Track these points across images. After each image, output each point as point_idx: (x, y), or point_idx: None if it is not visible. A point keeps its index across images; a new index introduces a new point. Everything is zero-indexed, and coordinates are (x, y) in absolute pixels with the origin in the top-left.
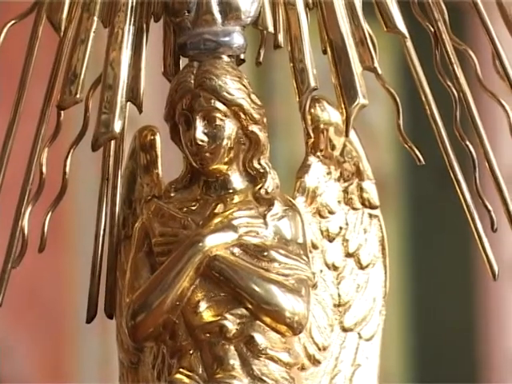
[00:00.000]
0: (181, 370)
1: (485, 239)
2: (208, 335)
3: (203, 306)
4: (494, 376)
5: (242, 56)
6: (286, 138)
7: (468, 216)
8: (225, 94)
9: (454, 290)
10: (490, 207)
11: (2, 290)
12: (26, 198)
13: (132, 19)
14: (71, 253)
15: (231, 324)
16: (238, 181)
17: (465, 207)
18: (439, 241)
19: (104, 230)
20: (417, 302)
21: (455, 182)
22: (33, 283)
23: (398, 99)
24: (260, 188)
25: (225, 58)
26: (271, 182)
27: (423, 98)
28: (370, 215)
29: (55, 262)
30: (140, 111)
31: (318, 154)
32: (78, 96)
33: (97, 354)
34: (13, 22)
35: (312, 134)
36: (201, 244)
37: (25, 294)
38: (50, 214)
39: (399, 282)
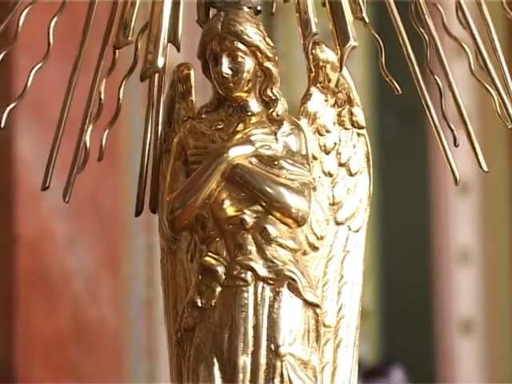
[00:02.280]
0: (209, 253)
1: (449, 152)
2: (231, 226)
3: (227, 203)
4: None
5: (259, 8)
6: (285, 89)
7: (435, 133)
8: (245, 37)
9: (414, 216)
10: (453, 127)
11: (69, 190)
12: (88, 118)
13: None
14: (124, 164)
15: (249, 218)
16: (254, 105)
17: (433, 127)
18: (400, 172)
19: (149, 144)
20: (379, 229)
21: (425, 107)
22: (94, 191)
23: (381, 43)
24: (272, 111)
25: (245, 9)
26: (281, 107)
27: (401, 42)
28: (358, 134)
29: (111, 171)
30: (178, 50)
31: (318, 85)
32: (129, 38)
33: (143, 241)
34: None
35: (313, 70)
36: (225, 155)
37: (88, 199)
38: (107, 131)
39: None
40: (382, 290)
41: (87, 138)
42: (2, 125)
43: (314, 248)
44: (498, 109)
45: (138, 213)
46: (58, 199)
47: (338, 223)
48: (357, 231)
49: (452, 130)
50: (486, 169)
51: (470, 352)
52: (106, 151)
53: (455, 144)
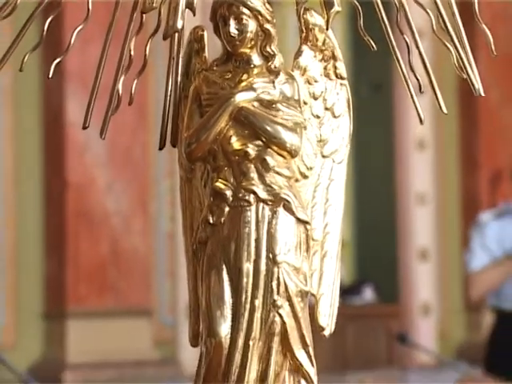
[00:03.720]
0: (219, 180)
1: (415, 97)
2: (237, 157)
3: (234, 138)
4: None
5: None
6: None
7: (404, 82)
8: (249, 3)
9: (381, 166)
10: (418, 76)
11: (105, 128)
12: (121, 70)
13: None
14: (152, 124)
15: (252, 150)
16: (256, 59)
17: (402, 77)
18: (370, 132)
19: (170, 91)
20: (353, 176)
21: (396, 60)
22: (128, 146)
23: (359, 7)
24: (271, 64)
25: None
26: (278, 61)
27: (376, 7)
28: (341, 84)
29: (142, 130)
30: (194, 15)
31: (308, 43)
32: (154, 4)
33: (167, 186)
34: None
35: (304, 31)
36: (232, 99)
37: (123, 152)
38: (136, 80)
39: None
40: (356, 225)
41: (120, 85)
42: (50, 75)
43: (305, 176)
44: (456, 62)
45: (161, 147)
46: (99, 153)
47: (324, 156)
48: (339, 163)
49: (418, 80)
50: (445, 111)
51: (426, 275)
52: (137, 113)
53: (420, 90)
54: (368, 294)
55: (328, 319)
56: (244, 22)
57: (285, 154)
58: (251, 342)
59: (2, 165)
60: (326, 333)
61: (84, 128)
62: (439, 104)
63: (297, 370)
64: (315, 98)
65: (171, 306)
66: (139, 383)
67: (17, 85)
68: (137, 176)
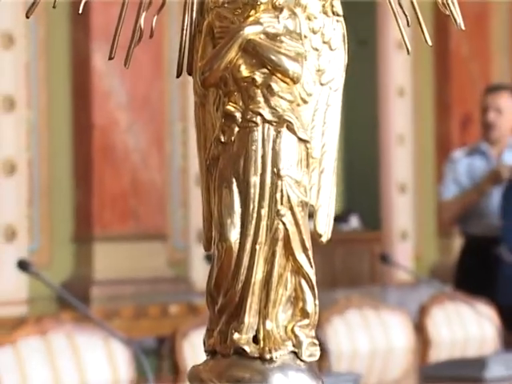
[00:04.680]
0: (229, 103)
1: (403, 30)
2: (245, 84)
3: (243, 67)
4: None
5: None
6: None
7: (394, 16)
8: None
9: (366, 110)
10: (406, 12)
11: (128, 59)
12: (142, 7)
13: None
14: (167, 72)
15: (258, 77)
16: None
17: (392, 12)
18: (357, 81)
19: (187, 26)
20: (341, 119)
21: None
22: (147, 91)
23: None
24: (276, 1)
25: None
26: None
27: None
28: (337, 20)
29: (158, 77)
30: None
31: None
32: None
33: (180, 127)
34: None
35: None
36: (242, 32)
37: (142, 97)
38: (156, 15)
39: None
40: (344, 162)
41: (142, 20)
42: (80, 11)
43: (305, 102)
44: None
45: (178, 75)
46: (121, 99)
47: (322, 84)
48: (335, 90)
49: (405, 15)
50: (430, 43)
51: (404, 205)
52: (154, 64)
53: (408, 24)
54: (354, 222)
55: (325, 227)
56: None
57: (288, 80)
58: (258, 247)
59: (36, 107)
60: (324, 239)
61: (110, 59)
62: (425, 37)
63: (298, 271)
64: (314, 33)
65: (183, 231)
66: (155, 297)
67: (50, 38)
68: (154, 119)
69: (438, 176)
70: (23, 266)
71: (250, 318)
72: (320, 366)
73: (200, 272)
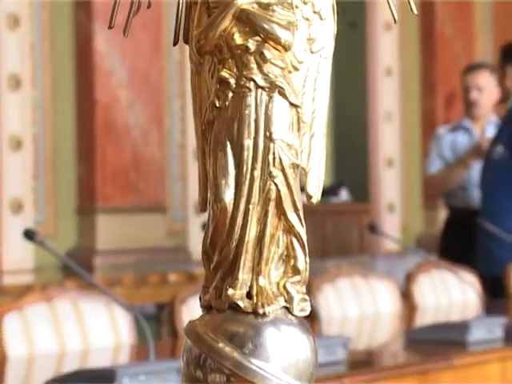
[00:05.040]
0: (224, 70)
1: (393, 8)
2: (239, 51)
3: (236, 35)
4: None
5: None
6: None
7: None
8: None
9: (355, 88)
10: None
11: (127, 28)
12: None
13: None
14: (166, 52)
15: (251, 45)
16: None
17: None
18: (347, 60)
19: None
20: (332, 97)
21: None
22: (146, 69)
23: None
24: None
25: None
26: None
27: None
28: None
29: (157, 56)
30: None
31: None
32: None
33: (178, 104)
34: None
35: None
36: (235, 2)
37: (142, 75)
38: None
39: None
40: (334, 138)
41: None
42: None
43: (296, 69)
44: None
45: (174, 43)
46: (122, 77)
47: (312, 52)
48: (326, 58)
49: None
50: (415, 12)
51: (391, 179)
52: (153, 44)
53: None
54: (344, 195)
55: (315, 189)
56: None
57: (279, 48)
58: (251, 206)
59: (41, 86)
60: (314, 200)
61: (110, 28)
62: (411, 6)
63: (289, 230)
64: (305, 3)
65: (182, 203)
66: (155, 266)
67: (53, 20)
68: (153, 96)
69: (424, 151)
70: (29, 235)
71: (244, 275)
72: (312, 331)
73: (198, 242)
